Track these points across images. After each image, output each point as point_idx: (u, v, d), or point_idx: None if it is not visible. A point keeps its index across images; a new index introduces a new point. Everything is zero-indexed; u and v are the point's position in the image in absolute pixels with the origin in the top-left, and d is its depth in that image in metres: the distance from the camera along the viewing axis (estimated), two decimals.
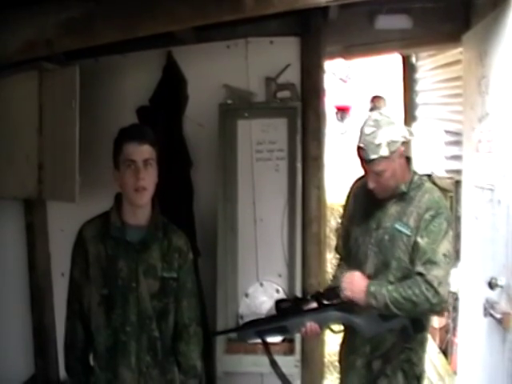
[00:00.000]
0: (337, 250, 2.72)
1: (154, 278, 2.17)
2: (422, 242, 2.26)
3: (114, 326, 2.14)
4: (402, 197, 2.37)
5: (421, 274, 2.20)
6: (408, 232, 2.30)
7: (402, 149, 2.32)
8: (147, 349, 2.17)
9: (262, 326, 2.40)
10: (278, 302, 2.41)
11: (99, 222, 2.22)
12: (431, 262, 2.21)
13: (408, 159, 2.44)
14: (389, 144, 2.26)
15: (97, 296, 2.15)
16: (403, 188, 2.36)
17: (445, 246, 2.25)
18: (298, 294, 3.23)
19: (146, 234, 2.18)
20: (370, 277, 2.35)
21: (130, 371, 2.15)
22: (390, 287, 2.24)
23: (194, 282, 2.30)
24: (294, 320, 2.34)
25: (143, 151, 2.12)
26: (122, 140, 2.15)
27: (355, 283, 2.31)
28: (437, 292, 2.17)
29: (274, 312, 2.42)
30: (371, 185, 2.34)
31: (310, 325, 2.33)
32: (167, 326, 2.22)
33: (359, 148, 2.32)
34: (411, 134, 2.58)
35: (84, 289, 2.18)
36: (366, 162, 2.31)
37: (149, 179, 2.13)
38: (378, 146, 2.26)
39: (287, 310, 2.36)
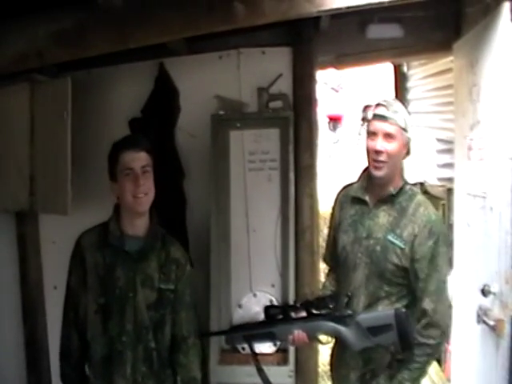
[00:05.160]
0: (325, 260, 2.69)
1: (151, 288, 2.17)
2: (424, 269, 2.23)
3: (111, 335, 2.14)
4: (392, 205, 2.32)
5: (427, 315, 2.22)
6: (401, 245, 2.26)
7: (407, 142, 2.28)
8: (143, 359, 2.17)
9: (249, 330, 2.40)
10: (268, 308, 2.39)
11: (97, 231, 2.23)
12: (438, 299, 2.23)
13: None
14: (405, 121, 2.25)
15: (94, 304, 2.15)
16: (392, 190, 2.31)
17: (446, 272, 2.30)
18: (291, 303, 3.22)
19: (143, 244, 2.19)
20: (359, 286, 2.33)
21: (124, 381, 2.15)
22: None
23: (192, 294, 2.30)
24: (282, 327, 2.32)
25: (140, 158, 2.15)
26: (117, 150, 2.18)
27: None
28: (444, 333, 2.25)
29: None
30: (379, 146, 2.23)
31: (298, 333, 2.29)
32: (163, 337, 2.21)
33: (377, 105, 2.27)
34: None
35: (81, 297, 2.18)
36: (379, 118, 2.25)
37: (148, 185, 2.16)
38: (397, 113, 2.24)
39: (276, 317, 2.35)
